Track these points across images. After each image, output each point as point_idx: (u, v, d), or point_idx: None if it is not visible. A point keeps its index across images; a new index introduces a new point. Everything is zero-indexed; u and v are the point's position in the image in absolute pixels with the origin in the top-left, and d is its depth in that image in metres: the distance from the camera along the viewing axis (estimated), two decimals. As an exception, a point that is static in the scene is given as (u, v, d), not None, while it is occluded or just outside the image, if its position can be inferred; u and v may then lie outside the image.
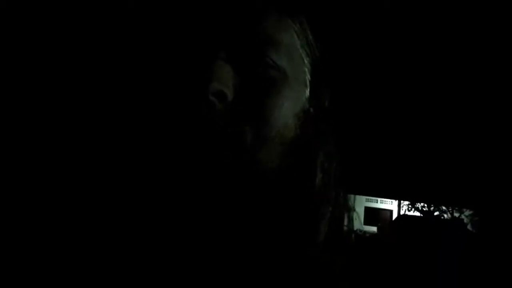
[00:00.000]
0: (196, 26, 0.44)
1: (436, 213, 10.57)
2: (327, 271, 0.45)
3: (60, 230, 0.42)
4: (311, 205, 0.45)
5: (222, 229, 0.40)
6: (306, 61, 0.49)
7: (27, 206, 0.44)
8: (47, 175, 0.45)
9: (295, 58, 0.47)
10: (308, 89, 0.49)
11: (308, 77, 0.49)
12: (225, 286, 0.40)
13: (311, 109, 0.48)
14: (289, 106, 0.45)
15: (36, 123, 0.49)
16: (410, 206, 11.56)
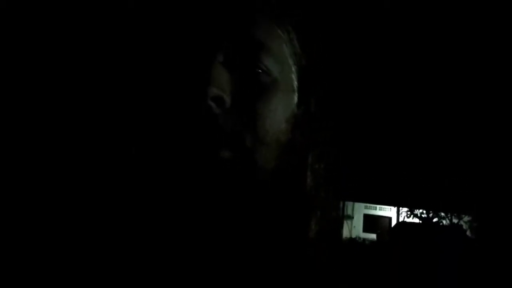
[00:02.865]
0: (193, 31, 0.45)
1: (435, 220, 10.53)
2: (325, 272, 0.47)
3: (59, 230, 0.43)
4: (302, 203, 0.47)
5: (219, 225, 0.42)
6: (293, 69, 0.51)
7: (31, 205, 0.44)
8: (46, 173, 0.46)
9: (284, 65, 0.50)
10: (296, 95, 0.51)
11: (295, 83, 0.51)
12: (224, 278, 0.41)
13: (299, 114, 0.51)
14: (281, 110, 0.48)
15: (37, 123, 0.50)
16: (409, 212, 11.51)
